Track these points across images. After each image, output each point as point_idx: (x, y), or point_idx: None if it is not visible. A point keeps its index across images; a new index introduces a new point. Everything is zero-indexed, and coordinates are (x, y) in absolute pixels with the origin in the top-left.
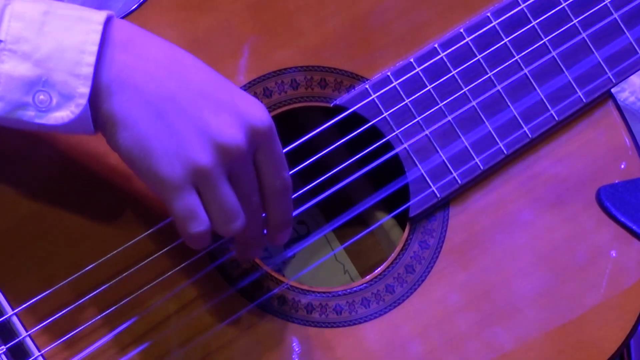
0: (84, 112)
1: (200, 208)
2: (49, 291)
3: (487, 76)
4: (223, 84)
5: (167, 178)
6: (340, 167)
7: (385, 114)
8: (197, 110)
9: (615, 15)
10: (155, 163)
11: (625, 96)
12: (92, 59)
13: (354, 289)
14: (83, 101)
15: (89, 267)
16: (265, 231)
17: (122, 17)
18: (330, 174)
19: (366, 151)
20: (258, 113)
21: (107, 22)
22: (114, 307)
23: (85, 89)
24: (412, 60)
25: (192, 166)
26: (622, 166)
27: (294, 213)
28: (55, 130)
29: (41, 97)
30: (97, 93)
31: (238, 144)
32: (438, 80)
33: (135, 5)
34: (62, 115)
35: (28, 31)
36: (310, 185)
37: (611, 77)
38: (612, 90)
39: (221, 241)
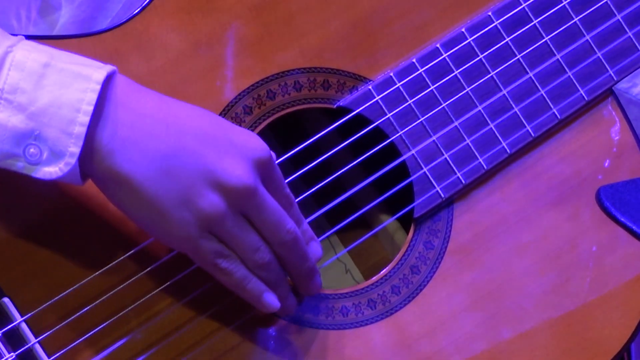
0: (72, 169)
1: (223, 247)
2: (58, 297)
3: (489, 75)
4: (217, 125)
5: (182, 236)
6: (344, 169)
7: (389, 115)
8: (201, 158)
9: (616, 13)
10: (168, 224)
11: (637, 91)
12: (86, 119)
13: (360, 290)
14: (72, 160)
15: (99, 272)
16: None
17: (127, 20)
18: (333, 176)
19: (370, 152)
20: (257, 145)
21: (107, 79)
22: (124, 312)
23: (75, 149)
24: (414, 60)
25: (204, 217)
26: (625, 164)
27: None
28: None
29: (32, 150)
30: (94, 151)
31: (248, 182)
32: (441, 80)
33: (138, 9)
34: (50, 170)
35: (26, 82)
36: (314, 189)
37: (612, 74)
38: (624, 84)
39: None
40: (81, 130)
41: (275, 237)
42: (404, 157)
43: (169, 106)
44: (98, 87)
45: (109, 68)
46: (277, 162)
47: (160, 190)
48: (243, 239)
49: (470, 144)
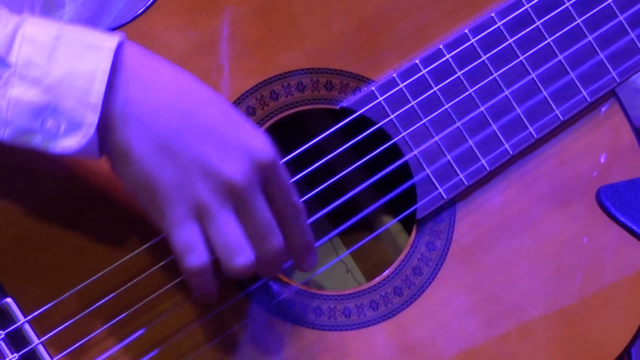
0: (91, 140)
1: (199, 242)
2: (60, 298)
3: (492, 77)
4: (228, 116)
5: (168, 212)
6: (347, 170)
7: (392, 116)
8: (201, 146)
9: (619, 15)
10: (157, 197)
11: None
12: (102, 88)
13: (362, 291)
14: (91, 130)
15: (101, 273)
16: (290, 261)
17: (130, 20)
18: (336, 177)
19: (374, 153)
20: (262, 146)
21: (118, 48)
22: (126, 313)
23: (93, 118)
24: (417, 61)
25: (194, 202)
26: (627, 165)
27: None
28: (62, 156)
29: (49, 124)
30: (106, 122)
31: (241, 180)
32: (444, 81)
33: (142, 9)
34: (69, 143)
35: (39, 56)
36: (316, 190)
37: (615, 76)
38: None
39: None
40: (98, 99)
41: (259, 246)
42: (407, 157)
43: (183, 83)
44: (111, 55)
45: (118, 36)
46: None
47: (156, 166)
48: (225, 236)
49: (472, 145)
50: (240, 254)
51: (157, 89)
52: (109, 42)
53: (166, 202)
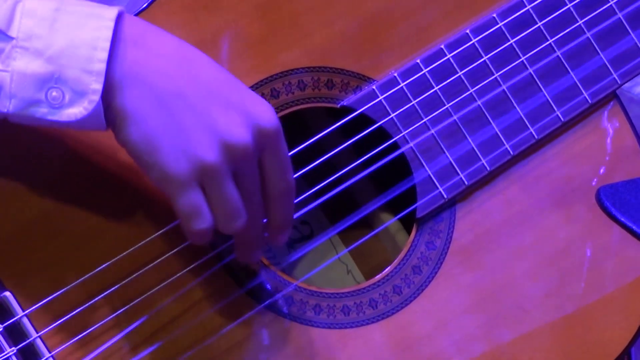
0: (96, 108)
1: (204, 205)
2: (59, 292)
3: (493, 77)
4: (232, 83)
5: (173, 174)
6: (347, 168)
7: (392, 115)
8: (205, 108)
9: (620, 16)
10: (161, 159)
11: (639, 90)
12: (104, 55)
13: (362, 290)
14: (96, 97)
15: (100, 268)
16: (266, 233)
17: None
18: (336, 175)
19: (373, 152)
20: (266, 114)
21: (119, 18)
22: (124, 308)
23: (97, 85)
24: (418, 61)
25: (199, 163)
26: (628, 167)
27: (298, 214)
28: (68, 127)
29: (54, 93)
30: (109, 89)
31: (245, 143)
32: (445, 81)
33: (145, 5)
34: (74, 111)
35: (40, 28)
36: (316, 188)
37: (616, 78)
38: (626, 84)
39: (228, 242)
40: (101, 66)
41: (251, 202)
42: (404, 149)
43: (186, 50)
44: (112, 23)
45: (119, 8)
46: None
47: (160, 127)
48: (227, 200)
49: (473, 145)
50: (239, 218)
51: (159, 54)
52: (109, 11)
53: (170, 163)
